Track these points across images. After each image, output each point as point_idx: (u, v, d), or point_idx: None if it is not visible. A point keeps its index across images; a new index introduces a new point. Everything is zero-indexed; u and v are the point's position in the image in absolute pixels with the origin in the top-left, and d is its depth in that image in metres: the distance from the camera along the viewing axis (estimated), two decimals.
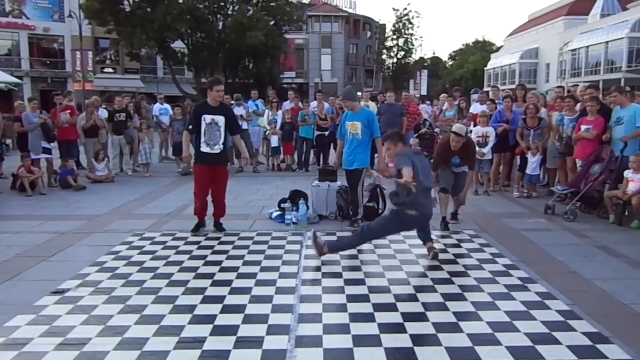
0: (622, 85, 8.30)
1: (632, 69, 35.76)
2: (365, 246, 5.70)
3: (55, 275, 4.77)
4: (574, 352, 3.28)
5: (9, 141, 13.89)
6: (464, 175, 6.60)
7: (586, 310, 3.95)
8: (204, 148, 6.17)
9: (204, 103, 6.37)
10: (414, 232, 6.27)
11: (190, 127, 6.31)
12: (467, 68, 63.80)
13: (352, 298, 4.17)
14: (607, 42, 39.02)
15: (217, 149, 6.19)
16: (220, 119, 6.19)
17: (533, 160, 8.32)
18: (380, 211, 7.09)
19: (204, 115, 6.16)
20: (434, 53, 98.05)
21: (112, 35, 31.38)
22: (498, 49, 66.03)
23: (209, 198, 6.40)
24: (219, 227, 6.48)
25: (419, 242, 5.89)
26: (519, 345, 3.38)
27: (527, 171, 8.47)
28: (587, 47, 41.55)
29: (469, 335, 3.52)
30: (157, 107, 13.65)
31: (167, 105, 13.84)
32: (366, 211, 6.98)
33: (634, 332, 3.60)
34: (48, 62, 39.89)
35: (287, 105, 12.70)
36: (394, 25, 54.40)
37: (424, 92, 47.40)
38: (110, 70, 42.08)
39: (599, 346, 3.37)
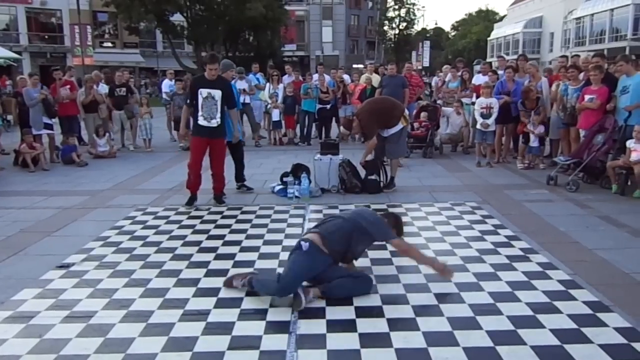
0: (628, 54, 8.18)
1: (637, 37, 35.22)
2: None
3: (60, 250, 4.81)
4: (574, 321, 3.31)
5: (10, 117, 13.86)
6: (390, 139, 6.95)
7: (587, 279, 3.97)
8: (202, 122, 6.23)
9: (202, 77, 6.41)
10: (420, 202, 6.32)
11: (188, 101, 6.42)
12: (470, 38, 63.00)
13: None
14: (612, 10, 38.35)
15: (215, 122, 6.23)
16: (217, 93, 6.21)
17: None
18: (382, 184, 7.09)
19: (201, 90, 6.21)
20: (436, 24, 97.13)
21: (110, 9, 31.01)
22: (501, 18, 65.05)
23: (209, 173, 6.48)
24: (219, 199, 6.54)
25: (422, 214, 5.92)
26: (520, 315, 3.41)
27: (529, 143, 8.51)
28: (592, 15, 40.86)
29: (471, 306, 3.55)
30: (167, 83, 13.11)
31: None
32: (369, 184, 6.99)
33: (635, 300, 3.63)
34: (47, 37, 39.52)
35: (287, 79, 12.58)
36: None
37: (426, 63, 46.91)
38: (110, 44, 41.69)
39: (599, 315, 3.40)
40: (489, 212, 5.96)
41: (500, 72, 9.94)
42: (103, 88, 11.43)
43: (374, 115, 6.80)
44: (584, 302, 3.58)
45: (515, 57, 14.37)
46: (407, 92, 10.48)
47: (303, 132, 12.05)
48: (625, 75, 7.05)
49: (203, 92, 6.19)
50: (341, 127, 7.41)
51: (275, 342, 3.12)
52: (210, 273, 4.22)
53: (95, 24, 40.29)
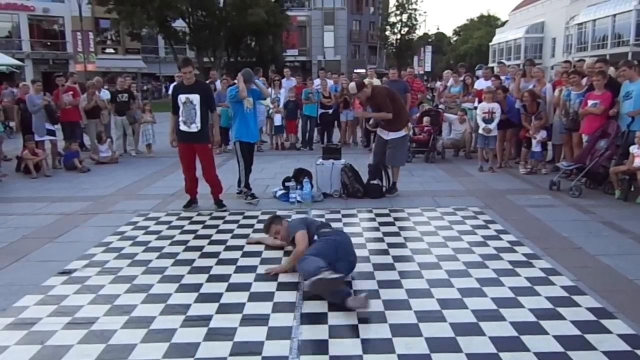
0: (630, 59, 8.17)
1: (639, 43, 35.22)
2: (369, 224, 5.71)
3: (62, 256, 4.81)
4: (578, 327, 3.30)
5: (12, 123, 13.90)
6: (391, 143, 6.96)
7: (591, 285, 3.95)
8: (182, 127, 6.30)
9: (180, 83, 6.52)
10: (422, 207, 6.31)
11: (173, 109, 6.46)
12: (472, 44, 63.18)
13: (356, 275, 4.19)
14: (614, 15, 38.37)
15: (194, 127, 6.27)
16: (195, 98, 6.24)
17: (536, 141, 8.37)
18: (384, 189, 7.08)
19: (180, 95, 6.28)
20: (438, 29, 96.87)
21: (112, 15, 31.13)
22: (503, 23, 65.17)
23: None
24: (219, 204, 6.54)
25: (424, 219, 5.90)
26: (523, 321, 3.39)
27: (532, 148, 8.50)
28: (594, 20, 40.89)
29: (474, 311, 3.53)
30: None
31: None
32: (371, 189, 6.97)
33: (639, 307, 3.60)
34: (49, 43, 39.65)
35: (286, 83, 12.59)
36: (397, 0, 53.67)
37: (428, 68, 46.98)
38: (112, 50, 41.82)
39: (603, 321, 3.38)
40: (491, 217, 5.94)
41: (502, 77, 9.95)
42: (105, 94, 11.45)
43: (389, 96, 6.92)
44: (588, 309, 3.56)
45: (517, 62, 14.38)
46: (409, 97, 10.51)
47: (305, 136, 12.06)
48: (628, 81, 7.04)
49: (182, 98, 6.25)
50: (350, 84, 7.32)
51: (277, 348, 3.11)
52: (212, 278, 4.22)
53: (98, 31, 40.45)
